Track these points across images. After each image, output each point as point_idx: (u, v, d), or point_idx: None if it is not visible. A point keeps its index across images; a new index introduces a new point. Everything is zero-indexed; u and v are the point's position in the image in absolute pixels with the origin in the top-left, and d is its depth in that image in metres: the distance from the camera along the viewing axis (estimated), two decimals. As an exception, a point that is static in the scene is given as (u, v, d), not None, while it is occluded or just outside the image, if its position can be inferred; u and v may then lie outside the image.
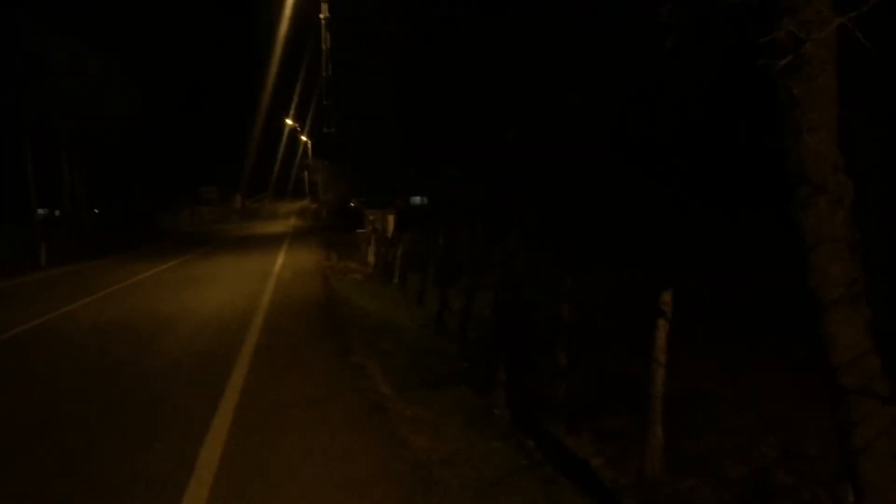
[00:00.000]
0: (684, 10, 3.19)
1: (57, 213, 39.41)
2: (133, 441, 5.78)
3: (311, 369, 7.94)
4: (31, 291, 17.81)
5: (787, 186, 2.75)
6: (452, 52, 29.17)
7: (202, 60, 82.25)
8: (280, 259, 23.66)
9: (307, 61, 62.70)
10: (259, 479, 4.80)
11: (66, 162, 33.21)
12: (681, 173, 15.42)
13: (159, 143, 50.42)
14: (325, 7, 27.62)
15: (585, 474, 5.54)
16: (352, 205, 44.94)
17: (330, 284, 16.07)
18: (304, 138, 78.70)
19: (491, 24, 25.83)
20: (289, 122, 77.99)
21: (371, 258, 21.52)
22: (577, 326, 6.93)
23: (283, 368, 8.03)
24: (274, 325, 10.81)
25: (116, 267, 23.69)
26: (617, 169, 18.36)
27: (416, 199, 62.07)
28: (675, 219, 15.48)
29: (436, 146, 33.83)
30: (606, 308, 10.44)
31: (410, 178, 52.55)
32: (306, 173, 65.55)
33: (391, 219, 26.78)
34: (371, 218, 25.87)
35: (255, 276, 18.17)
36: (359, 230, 26.91)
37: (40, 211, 32.55)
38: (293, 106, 73.37)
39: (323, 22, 27.65)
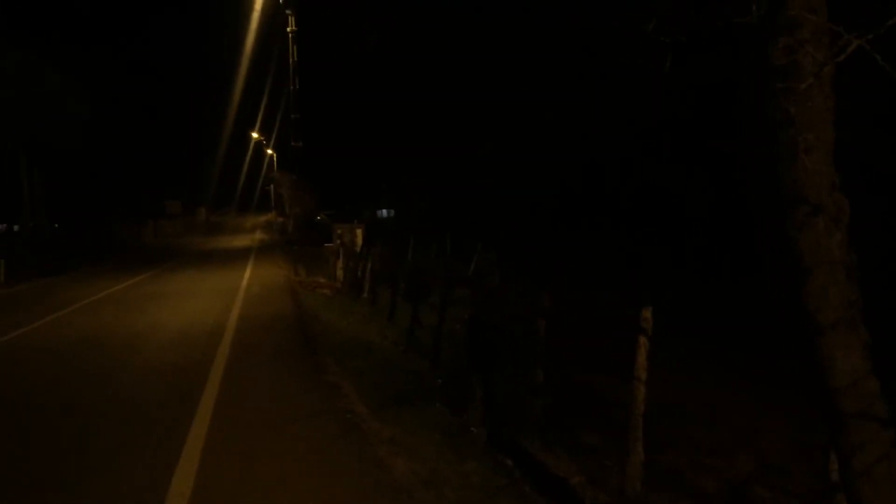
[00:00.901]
0: (675, 27, 3.18)
1: (16, 227, 38.59)
2: (103, 465, 5.62)
3: (284, 388, 7.81)
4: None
5: (781, 207, 2.73)
6: (425, 61, 29.22)
7: (164, 72, 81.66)
8: (247, 274, 23.38)
9: (273, 73, 62.52)
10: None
11: (25, 176, 32.57)
12: (657, 189, 15.58)
13: (120, 156, 49.79)
14: (292, 20, 27.46)
15: (565, 493, 5.49)
16: (318, 218, 44.65)
17: (299, 300, 15.90)
18: (269, 151, 78.41)
19: (466, 32, 25.92)
20: (254, 135, 77.61)
21: (340, 273, 21.35)
22: (552, 343, 6.92)
23: (254, 388, 7.89)
24: (244, 343, 10.65)
25: (78, 283, 23.21)
26: (594, 184, 18.51)
27: (383, 213, 62.07)
28: (652, 235, 15.62)
29: (404, 159, 33.88)
30: (583, 325, 10.48)
31: (378, 192, 52.42)
32: (272, 186, 65.04)
33: (359, 232, 26.63)
34: (339, 231, 25.69)
35: (222, 292, 17.92)
36: (326, 244, 26.71)
37: (-1, 226, 31.89)
38: (259, 119, 73.10)
39: (290, 35, 27.48)
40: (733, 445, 7.00)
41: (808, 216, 2.69)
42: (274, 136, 74.40)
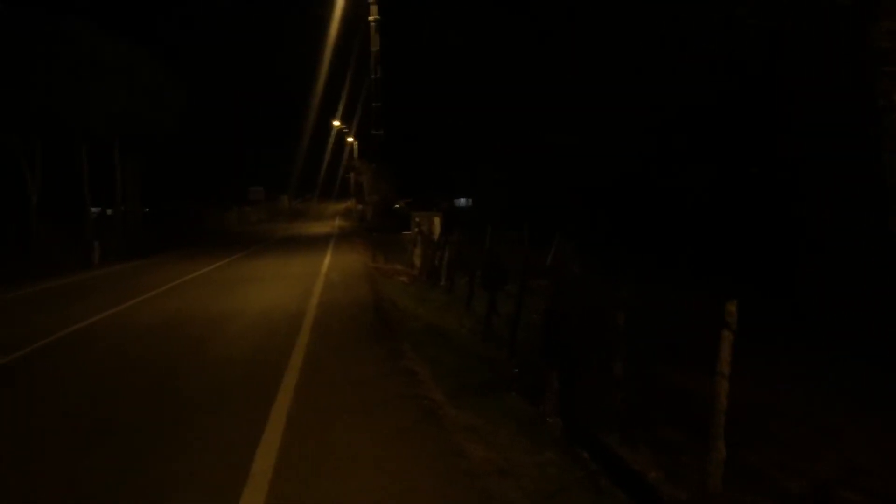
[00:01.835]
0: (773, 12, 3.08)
1: (109, 211, 40.23)
2: (189, 439, 5.85)
3: (362, 373, 7.93)
4: (84, 290, 18.17)
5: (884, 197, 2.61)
6: (504, 52, 29.07)
7: (251, 63, 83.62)
8: (327, 260, 23.81)
9: (355, 62, 63.30)
10: (315, 485, 4.79)
11: (118, 162, 33.90)
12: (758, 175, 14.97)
13: (208, 143, 51.27)
14: (374, 10, 27.71)
15: (643, 488, 5.42)
16: (396, 206, 45.08)
17: (377, 286, 16.11)
18: (350, 140, 79.51)
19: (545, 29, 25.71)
20: (336, 123, 78.76)
21: (417, 260, 21.51)
22: (630, 336, 6.82)
23: (334, 371, 8.04)
24: (323, 327, 10.85)
25: (166, 266, 24.09)
26: (683, 171, 18.05)
27: (461, 201, 62.18)
28: (746, 224, 15.15)
29: (483, 148, 33.82)
30: (661, 317, 10.29)
31: (456, 181, 52.59)
32: (352, 174, 65.95)
33: (437, 221, 26.74)
34: (417, 220, 25.86)
35: (302, 277, 18.31)
36: (404, 232, 26.95)
37: (93, 209, 33.28)
38: (340, 107, 74.16)
39: (372, 24, 27.73)
40: (818, 446, 6.78)
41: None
42: (355, 124, 75.55)
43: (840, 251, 7.21)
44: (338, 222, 59.67)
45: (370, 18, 27.80)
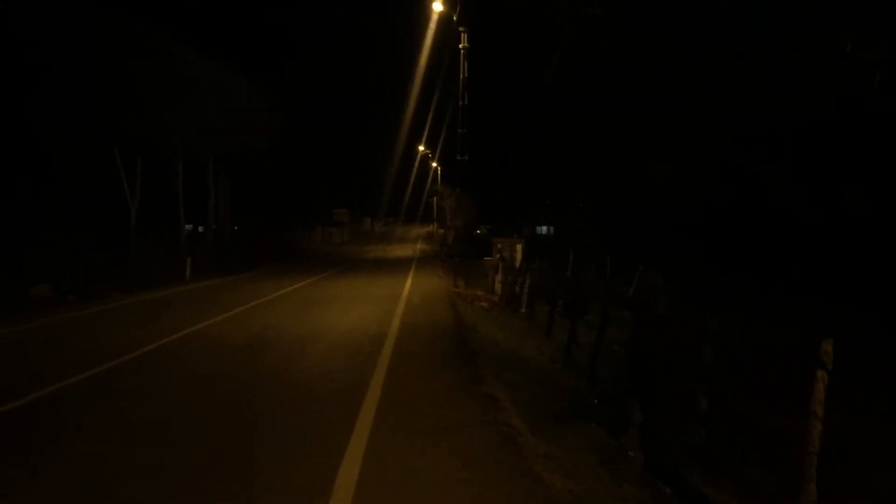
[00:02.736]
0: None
1: (200, 229, 41.72)
2: (279, 449, 6.02)
3: (442, 396, 7.98)
4: (177, 303, 18.86)
5: None
6: (592, 83, 29.06)
7: (339, 86, 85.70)
8: (408, 283, 24.06)
9: (440, 89, 64.12)
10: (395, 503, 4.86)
11: (212, 180, 35.20)
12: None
13: (296, 163, 52.57)
14: (464, 37, 28.06)
15: (727, 528, 5.29)
16: (478, 232, 45.28)
17: (457, 311, 16.18)
18: (434, 164, 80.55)
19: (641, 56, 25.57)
20: (421, 148, 79.88)
21: (498, 286, 21.55)
22: (718, 370, 6.68)
23: (415, 394, 8.11)
24: (405, 349, 10.96)
25: (253, 283, 24.79)
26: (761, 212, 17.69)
27: (542, 229, 62.08)
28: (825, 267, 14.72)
29: (568, 177, 33.76)
30: (747, 353, 10.03)
31: (538, 208, 52.45)
32: (435, 198, 66.55)
33: (519, 247, 26.74)
34: (499, 246, 25.94)
35: (384, 299, 18.54)
36: (486, 258, 27.03)
37: (186, 227, 34.63)
38: (425, 132, 75.20)
39: (462, 52, 28.08)
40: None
41: None
42: (438, 149, 76.49)
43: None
44: (420, 246, 60.27)
45: (460, 46, 28.15)
